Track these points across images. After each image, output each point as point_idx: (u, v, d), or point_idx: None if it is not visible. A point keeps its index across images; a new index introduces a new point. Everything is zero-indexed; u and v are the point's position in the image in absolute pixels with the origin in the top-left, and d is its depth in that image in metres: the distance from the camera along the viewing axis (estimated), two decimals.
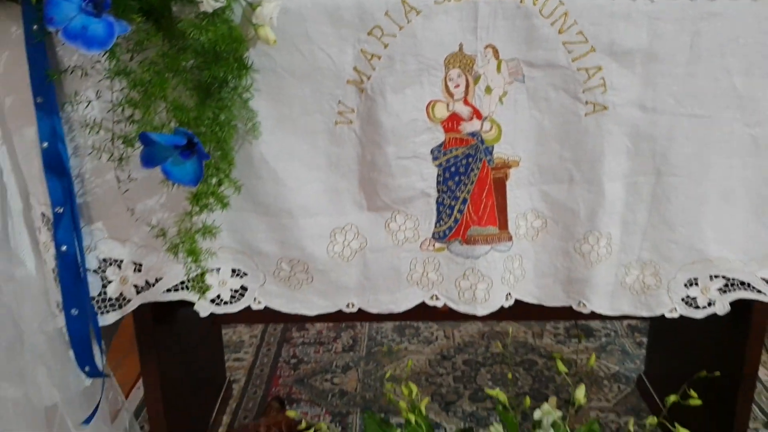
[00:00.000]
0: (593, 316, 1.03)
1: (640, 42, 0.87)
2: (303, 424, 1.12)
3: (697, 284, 0.98)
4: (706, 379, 1.03)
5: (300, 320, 1.08)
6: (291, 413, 1.12)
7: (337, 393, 1.57)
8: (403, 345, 1.77)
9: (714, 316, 1.04)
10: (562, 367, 1.16)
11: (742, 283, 0.98)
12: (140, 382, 1.54)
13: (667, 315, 0.99)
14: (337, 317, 1.04)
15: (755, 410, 1.51)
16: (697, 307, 0.99)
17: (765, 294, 0.99)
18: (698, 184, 0.93)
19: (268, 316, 1.04)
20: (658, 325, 1.51)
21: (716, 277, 0.98)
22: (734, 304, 1.02)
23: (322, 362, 1.70)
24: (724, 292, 0.99)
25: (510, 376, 1.33)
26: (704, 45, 0.87)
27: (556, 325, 1.84)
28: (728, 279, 0.98)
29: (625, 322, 1.85)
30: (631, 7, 0.86)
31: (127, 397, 1.55)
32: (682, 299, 0.99)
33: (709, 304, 0.99)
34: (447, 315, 1.12)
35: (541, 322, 1.83)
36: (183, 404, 1.28)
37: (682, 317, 1.01)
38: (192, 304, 0.99)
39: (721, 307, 1.00)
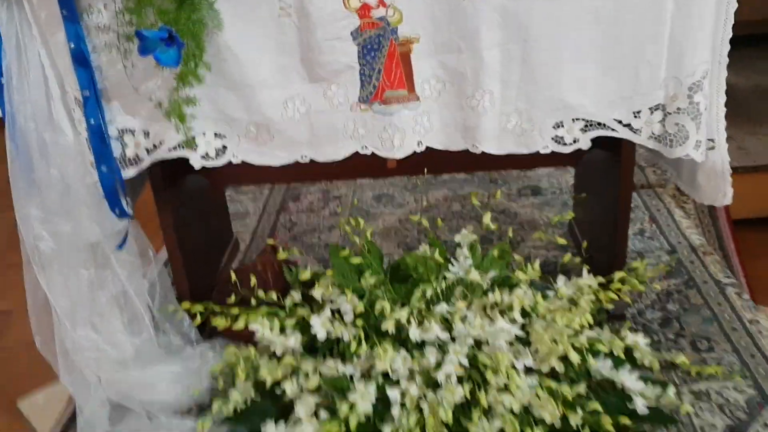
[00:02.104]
0: (509, 164, 1.37)
1: None
2: (284, 254, 1.52)
3: (563, 126, 1.31)
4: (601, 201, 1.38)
5: (284, 178, 1.44)
6: (282, 255, 1.51)
7: (322, 245, 1.97)
8: (380, 209, 2.16)
9: (607, 166, 1.38)
10: (475, 202, 1.53)
11: (599, 124, 1.31)
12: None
13: (542, 151, 1.33)
14: (308, 175, 1.41)
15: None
16: (565, 144, 1.33)
17: (617, 131, 1.32)
18: (557, 49, 1.24)
19: (256, 176, 1.41)
20: (577, 182, 1.86)
21: (577, 119, 1.31)
22: (613, 147, 1.37)
23: (312, 225, 2.10)
24: (585, 131, 1.32)
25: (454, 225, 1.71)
26: None
27: (510, 188, 2.20)
28: (587, 121, 1.31)
29: (570, 182, 2.19)
30: None
31: None
32: (552, 138, 1.32)
33: (574, 141, 1.33)
34: (395, 171, 1.50)
35: (497, 186, 2.20)
36: (197, 255, 1.69)
37: (585, 172, 1.34)
38: (195, 171, 1.37)
39: (584, 143, 1.33)
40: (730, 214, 2.09)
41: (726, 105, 1.31)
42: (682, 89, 1.26)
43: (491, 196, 2.15)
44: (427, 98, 1.30)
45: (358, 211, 2.14)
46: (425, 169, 1.47)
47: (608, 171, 1.52)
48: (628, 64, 1.26)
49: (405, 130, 1.31)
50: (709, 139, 1.32)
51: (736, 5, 1.23)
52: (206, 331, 1.55)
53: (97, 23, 1.21)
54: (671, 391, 1.24)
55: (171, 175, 1.49)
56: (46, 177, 1.30)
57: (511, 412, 1.19)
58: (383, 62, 1.26)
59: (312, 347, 1.39)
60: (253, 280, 1.46)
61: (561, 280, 1.39)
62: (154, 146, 1.34)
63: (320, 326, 1.35)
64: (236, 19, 1.22)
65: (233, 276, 1.50)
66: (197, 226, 1.71)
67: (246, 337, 1.44)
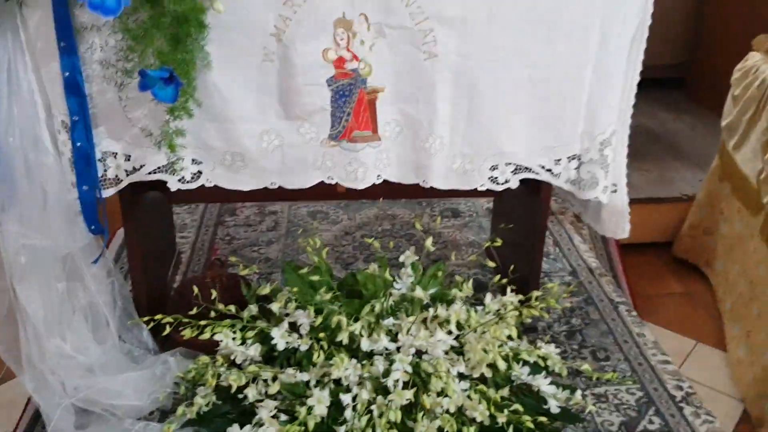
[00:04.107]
0: (443, 193, 1.63)
1: (457, 12, 1.42)
2: (241, 269, 1.69)
3: (498, 168, 1.59)
4: (517, 227, 1.66)
5: (238, 198, 1.61)
6: (233, 258, 1.69)
7: (263, 259, 2.15)
8: (315, 225, 2.36)
9: (526, 200, 1.66)
10: (418, 227, 1.78)
11: (527, 168, 1.61)
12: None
13: (479, 189, 1.61)
14: (266, 196, 1.60)
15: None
16: (498, 183, 1.61)
17: (540, 175, 1.61)
18: (497, 105, 1.52)
19: (212, 196, 1.59)
20: (496, 208, 2.17)
21: (509, 164, 1.59)
22: (533, 189, 1.66)
23: (250, 239, 2.28)
24: (515, 173, 1.61)
25: (391, 244, 1.95)
26: (497, 14, 1.44)
27: (432, 209, 2.48)
28: (517, 165, 1.60)
29: (485, 206, 2.50)
30: None
31: None
32: (489, 178, 1.60)
33: (506, 182, 1.61)
34: (344, 195, 1.71)
35: (421, 207, 2.47)
36: (151, 268, 1.83)
37: (505, 203, 1.62)
38: (156, 190, 1.52)
39: (514, 184, 1.62)
40: (618, 240, 2.47)
41: None
42: (594, 143, 1.57)
43: (420, 216, 2.42)
44: (387, 139, 1.54)
45: (295, 227, 2.34)
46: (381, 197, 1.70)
47: (524, 201, 1.82)
48: (553, 121, 1.56)
49: (368, 165, 1.54)
50: (612, 184, 1.65)
51: (639, 78, 1.56)
52: (162, 341, 1.69)
53: (95, 57, 1.35)
54: (578, 394, 1.54)
55: (135, 190, 1.63)
56: (28, 194, 1.41)
57: (449, 412, 1.44)
58: (353, 106, 1.49)
59: (270, 357, 1.58)
60: (214, 293, 1.62)
61: (489, 297, 1.67)
62: (134, 168, 1.49)
63: (280, 338, 1.54)
64: (224, 61, 1.40)
65: (190, 288, 1.66)
66: (151, 240, 1.85)
67: (203, 347, 1.61)
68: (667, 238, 2.56)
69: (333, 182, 1.56)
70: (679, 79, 3.79)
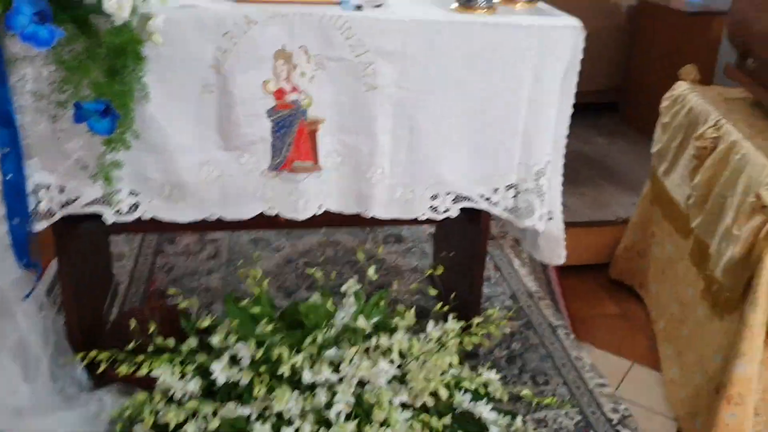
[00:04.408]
0: (385, 221, 1.65)
1: (396, 46, 1.46)
2: (180, 303, 1.67)
3: (438, 198, 1.63)
4: (458, 253, 1.68)
5: (177, 229, 1.61)
6: (173, 290, 1.66)
7: (203, 289, 2.13)
8: (257, 253, 2.35)
9: (466, 226, 1.70)
10: (361, 256, 1.79)
11: (466, 197, 1.65)
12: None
13: (420, 218, 1.64)
14: (206, 226, 1.59)
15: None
16: (439, 212, 1.64)
17: (479, 204, 1.66)
18: (437, 136, 1.56)
19: (150, 226, 1.57)
20: (438, 234, 2.21)
21: (449, 193, 1.63)
22: (473, 216, 1.69)
23: (190, 268, 2.25)
24: (455, 202, 1.65)
25: (333, 276, 1.96)
26: (436, 48, 1.48)
27: (375, 235, 2.50)
28: (457, 194, 1.64)
29: (427, 231, 2.53)
30: (391, 24, 1.45)
31: None
32: (429, 207, 1.63)
33: (446, 211, 1.65)
34: (286, 224, 1.71)
35: (365, 233, 2.49)
36: (85, 300, 1.78)
37: (446, 229, 1.66)
38: (91, 221, 1.50)
39: (454, 212, 1.65)
40: None
41: None
42: (530, 174, 1.63)
43: (365, 243, 2.43)
44: (329, 169, 1.56)
45: (236, 256, 2.32)
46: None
47: (464, 227, 1.85)
48: (491, 151, 1.60)
49: (309, 196, 1.55)
50: (548, 212, 1.70)
51: (572, 110, 1.63)
52: (98, 377, 1.65)
53: (27, 88, 1.32)
54: (519, 420, 1.58)
55: (69, 222, 1.60)
56: None
57: None
58: (293, 137, 1.50)
59: (210, 391, 1.56)
60: (152, 327, 1.59)
61: (431, 325, 1.69)
62: (69, 201, 1.46)
63: (220, 371, 1.52)
64: (163, 92, 1.40)
65: (127, 320, 1.62)
66: (86, 271, 1.81)
67: (141, 382, 1.57)
68: (603, 260, 2.64)
69: (274, 213, 1.57)
70: (613, 104, 3.95)
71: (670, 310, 2.19)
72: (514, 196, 1.65)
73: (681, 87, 2.33)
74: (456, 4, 1.54)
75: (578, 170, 3.20)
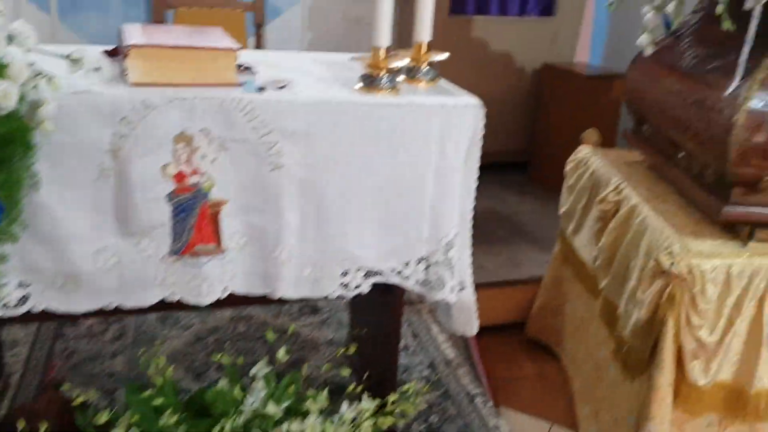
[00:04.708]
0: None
1: (300, 126, 1.46)
2: (77, 399, 1.58)
3: (349, 274, 1.62)
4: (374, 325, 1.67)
5: (72, 318, 1.53)
6: (67, 386, 1.57)
7: (107, 374, 2.02)
8: (165, 332, 2.26)
9: (381, 297, 1.69)
10: (271, 336, 1.75)
11: (377, 272, 1.64)
12: None
13: (331, 296, 1.62)
14: (106, 312, 1.52)
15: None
16: (350, 289, 1.63)
17: (389, 277, 1.66)
18: (345, 212, 1.56)
19: (44, 316, 1.49)
20: (353, 303, 2.19)
21: (360, 269, 1.63)
22: (386, 289, 1.69)
23: (93, 351, 2.13)
24: (367, 278, 1.64)
25: (241, 360, 1.90)
26: (340, 128, 1.49)
27: (290, 307, 2.46)
28: (368, 269, 1.63)
29: (344, 300, 2.51)
30: (295, 106, 1.45)
31: None
32: (340, 284, 1.62)
33: (357, 287, 1.64)
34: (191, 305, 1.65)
35: (278, 305, 2.44)
36: None
37: (363, 298, 1.65)
38: None
39: (365, 288, 1.65)
40: None
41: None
42: (440, 246, 1.65)
43: (279, 315, 2.38)
44: (233, 250, 1.52)
45: (143, 336, 2.22)
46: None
47: (379, 298, 1.84)
48: (400, 226, 1.62)
49: (212, 279, 1.51)
50: (459, 283, 1.72)
51: (477, 183, 1.67)
52: None
53: None
54: None
55: None
56: None
57: None
58: (195, 220, 1.46)
59: None
60: (43, 426, 1.49)
61: (345, 405, 1.66)
62: None
63: None
64: (56, 180, 1.34)
65: (17, 419, 1.52)
66: None
67: None
68: (520, 319, 2.69)
69: (175, 299, 1.52)
70: (522, 163, 4.09)
71: (586, 370, 2.23)
72: (425, 269, 1.67)
73: (584, 150, 2.43)
74: (361, 84, 1.57)
75: (492, 229, 3.28)
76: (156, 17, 3.06)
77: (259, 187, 1.48)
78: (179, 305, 1.57)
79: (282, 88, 1.49)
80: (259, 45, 3.17)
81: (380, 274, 1.64)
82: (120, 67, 1.49)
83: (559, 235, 2.51)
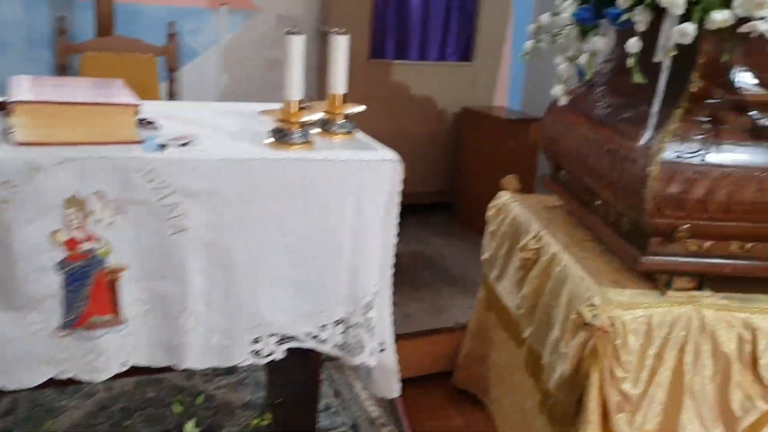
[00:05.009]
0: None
1: (205, 186, 1.38)
2: None
3: (260, 340, 1.53)
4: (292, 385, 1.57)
5: None
6: None
7: None
8: (64, 402, 2.09)
9: (298, 360, 1.61)
10: (177, 409, 1.64)
11: (292, 337, 1.56)
12: None
13: (241, 364, 1.52)
14: None
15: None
16: (262, 356, 1.54)
17: (305, 342, 1.57)
18: (255, 274, 1.48)
19: None
20: (271, 364, 2.09)
21: (273, 335, 1.54)
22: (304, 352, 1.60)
23: None
24: (280, 344, 1.55)
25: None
26: (249, 186, 1.42)
27: None
28: (282, 335, 1.55)
29: None
30: (199, 164, 1.37)
31: None
32: (251, 352, 1.53)
33: (270, 354, 1.55)
34: None
35: None
36: None
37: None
38: None
39: (279, 354, 1.56)
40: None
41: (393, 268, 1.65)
42: (358, 307, 1.58)
43: (194, 376, 2.25)
44: (133, 320, 1.41)
45: (37, 409, 2.04)
46: None
47: (297, 359, 1.75)
48: (316, 286, 1.54)
49: (109, 353, 1.39)
50: (380, 344, 1.65)
51: (396, 240, 1.61)
52: None
53: None
54: None
55: None
56: None
57: None
58: (89, 290, 1.35)
59: None
60: None
61: None
62: None
63: None
64: None
65: None
66: None
67: None
68: (446, 368, 2.64)
69: (67, 377, 1.39)
70: (447, 204, 4.10)
71: (513, 420, 2.20)
72: (343, 332, 1.59)
73: (504, 196, 2.43)
74: (271, 139, 1.50)
75: (417, 273, 3.24)
76: (61, 61, 2.92)
77: (161, 251, 1.39)
78: (72, 381, 1.44)
79: (185, 144, 1.41)
80: (171, 90, 3.06)
81: (295, 339, 1.56)
82: (4, 124, 1.37)
83: (482, 281, 2.50)
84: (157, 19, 3.32)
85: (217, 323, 1.48)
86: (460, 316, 2.90)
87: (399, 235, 1.67)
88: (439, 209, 4.07)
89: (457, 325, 2.80)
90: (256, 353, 1.53)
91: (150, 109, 1.56)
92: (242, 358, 1.52)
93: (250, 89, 3.68)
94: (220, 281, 1.45)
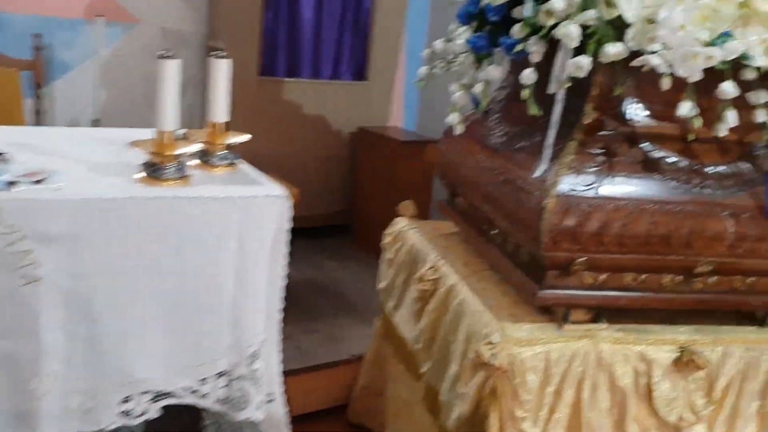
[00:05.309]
0: None
1: (63, 229, 1.22)
2: None
3: (131, 400, 1.37)
4: None
5: None
6: None
7: None
8: None
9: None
10: None
11: (167, 393, 1.41)
12: None
13: (108, 428, 1.36)
14: None
15: None
16: (133, 416, 1.38)
17: (183, 397, 1.43)
18: (122, 325, 1.32)
19: None
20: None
21: (146, 392, 1.38)
22: None
23: None
24: (155, 401, 1.40)
25: None
26: (115, 229, 1.26)
27: None
28: (156, 392, 1.39)
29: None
30: (55, 205, 1.20)
31: None
32: (120, 413, 1.36)
33: (143, 413, 1.39)
34: None
35: None
36: None
37: None
38: None
39: (154, 413, 1.40)
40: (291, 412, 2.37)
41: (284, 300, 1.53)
42: (243, 357, 1.46)
43: None
44: None
45: None
46: None
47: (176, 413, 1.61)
48: (194, 337, 1.41)
49: None
50: (267, 394, 1.53)
51: (285, 282, 1.50)
52: None
53: None
54: None
55: None
56: None
57: None
58: None
59: None
60: None
61: None
62: None
63: None
64: None
65: None
66: None
67: None
68: (342, 403, 2.54)
69: None
70: (345, 226, 4.00)
71: None
72: (226, 385, 1.46)
73: (401, 223, 2.36)
74: (143, 174, 1.35)
75: (310, 301, 3.11)
76: None
77: (10, 305, 1.21)
78: None
79: (39, 182, 1.24)
80: (38, 108, 2.80)
81: (171, 395, 1.41)
82: None
83: (379, 310, 2.41)
84: (23, 30, 3.04)
85: (79, 384, 1.31)
86: (356, 347, 2.80)
87: (291, 260, 1.55)
88: (336, 231, 3.96)
89: (353, 357, 2.71)
90: (126, 414, 1.37)
91: (3, 136, 1.38)
92: (110, 420, 1.36)
93: (131, 106, 3.45)
94: (82, 336, 1.29)
